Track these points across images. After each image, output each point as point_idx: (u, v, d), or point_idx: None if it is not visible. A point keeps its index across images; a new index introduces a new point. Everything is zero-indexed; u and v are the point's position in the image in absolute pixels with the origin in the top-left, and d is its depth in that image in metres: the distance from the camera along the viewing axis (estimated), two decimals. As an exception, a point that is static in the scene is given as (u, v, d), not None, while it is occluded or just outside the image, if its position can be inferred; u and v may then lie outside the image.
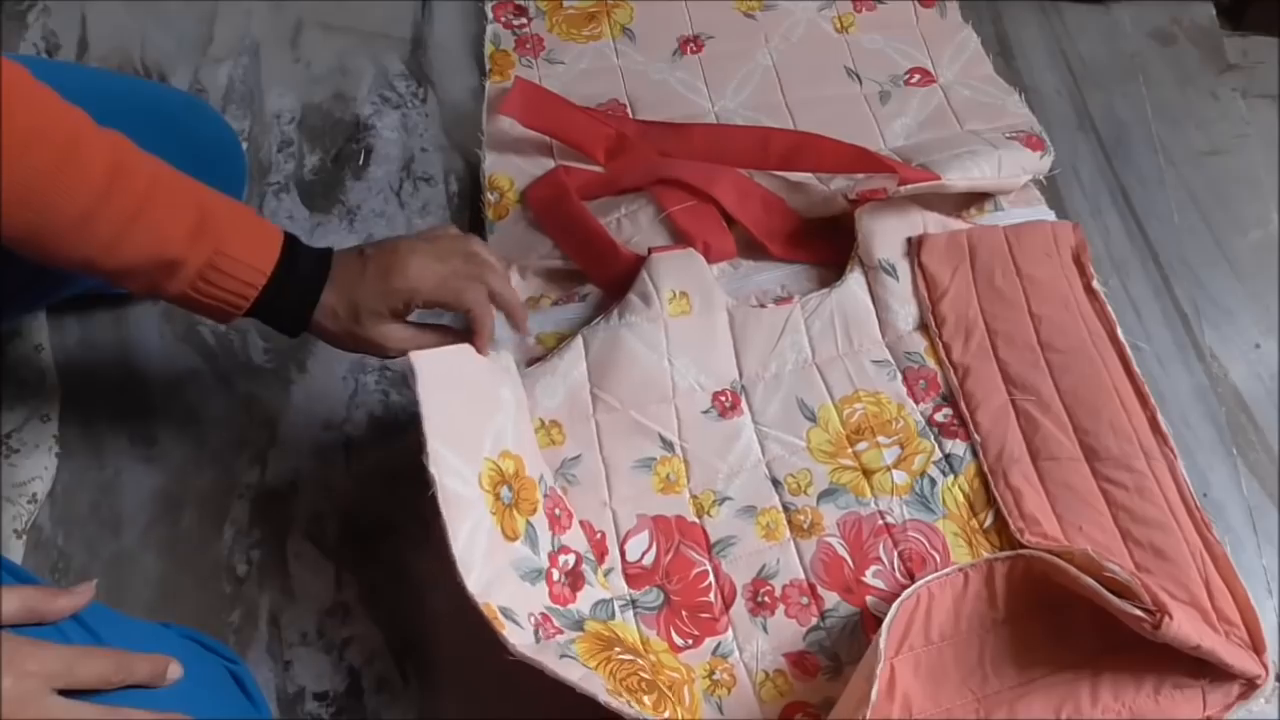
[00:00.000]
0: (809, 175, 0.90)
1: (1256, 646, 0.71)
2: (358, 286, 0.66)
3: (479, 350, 0.70)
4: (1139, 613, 0.66)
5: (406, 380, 0.85)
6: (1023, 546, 0.74)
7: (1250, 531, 0.79)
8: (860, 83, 0.98)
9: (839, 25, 0.99)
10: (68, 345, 0.88)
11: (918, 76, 0.98)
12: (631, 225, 0.88)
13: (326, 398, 0.86)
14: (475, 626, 0.60)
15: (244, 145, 0.94)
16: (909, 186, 0.83)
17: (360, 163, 0.96)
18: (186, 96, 0.89)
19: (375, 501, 0.81)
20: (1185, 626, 0.66)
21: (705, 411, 0.81)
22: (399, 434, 0.84)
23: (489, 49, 1.01)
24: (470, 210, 0.94)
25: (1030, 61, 0.98)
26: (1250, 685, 0.71)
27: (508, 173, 0.94)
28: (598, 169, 0.93)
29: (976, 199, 0.91)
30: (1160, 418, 0.79)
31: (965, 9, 1.05)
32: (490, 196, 0.93)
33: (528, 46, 1.01)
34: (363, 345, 0.68)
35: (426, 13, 1.06)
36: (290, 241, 0.65)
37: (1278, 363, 0.85)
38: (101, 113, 0.76)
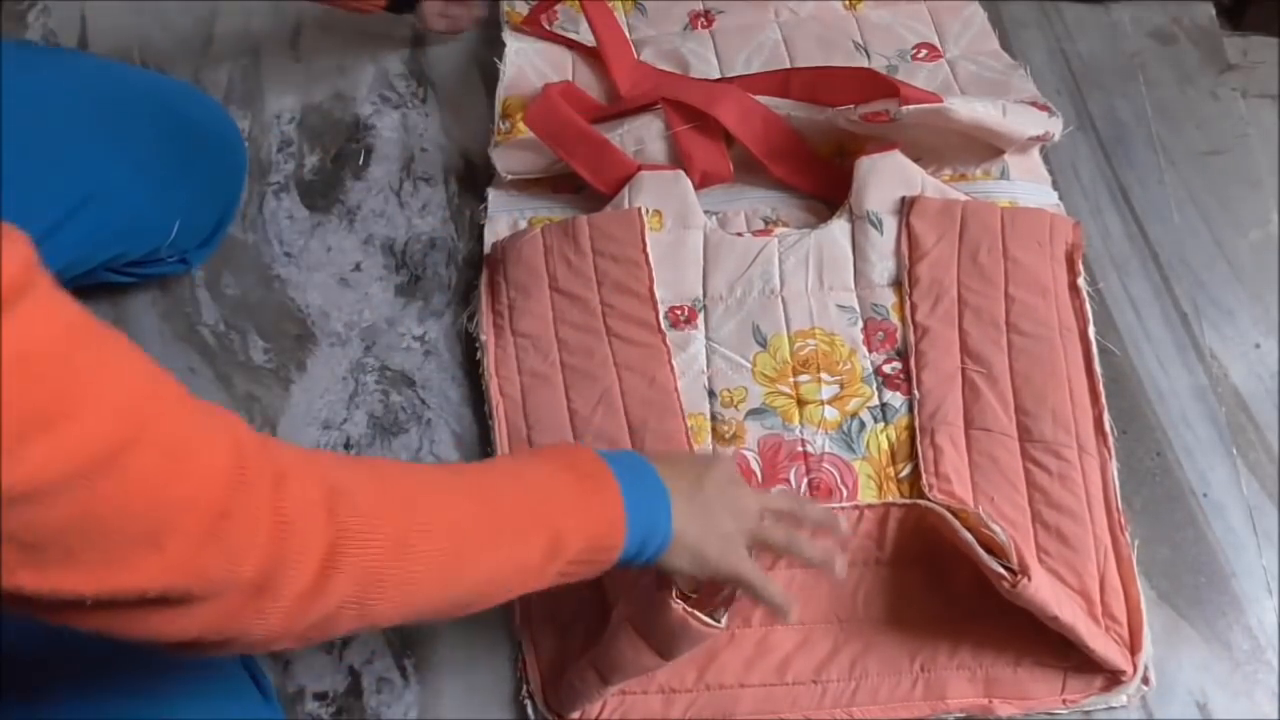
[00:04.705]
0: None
1: (1133, 647, 0.72)
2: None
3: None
4: (1000, 569, 0.67)
5: (406, 380, 0.86)
6: (926, 499, 0.75)
7: (1250, 531, 0.79)
8: (868, 57, 0.97)
9: (848, 3, 1.00)
10: (68, 345, 0.88)
11: (924, 52, 0.97)
12: (636, 138, 0.89)
13: (326, 398, 0.86)
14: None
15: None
16: (910, 107, 0.83)
17: (360, 163, 0.96)
18: (186, 86, 0.89)
19: (375, 501, 0.81)
20: (1043, 592, 0.67)
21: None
22: (399, 434, 0.84)
23: (505, 8, 1.01)
24: (470, 210, 0.94)
25: (1030, 61, 0.98)
26: (1114, 679, 0.72)
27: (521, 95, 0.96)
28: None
29: (984, 158, 0.90)
30: (1106, 418, 0.79)
31: (966, 8, 1.05)
32: (502, 125, 0.94)
33: (541, 16, 1.01)
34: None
35: (426, 13, 1.05)
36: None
37: (1278, 363, 0.85)
38: (102, 102, 0.77)
